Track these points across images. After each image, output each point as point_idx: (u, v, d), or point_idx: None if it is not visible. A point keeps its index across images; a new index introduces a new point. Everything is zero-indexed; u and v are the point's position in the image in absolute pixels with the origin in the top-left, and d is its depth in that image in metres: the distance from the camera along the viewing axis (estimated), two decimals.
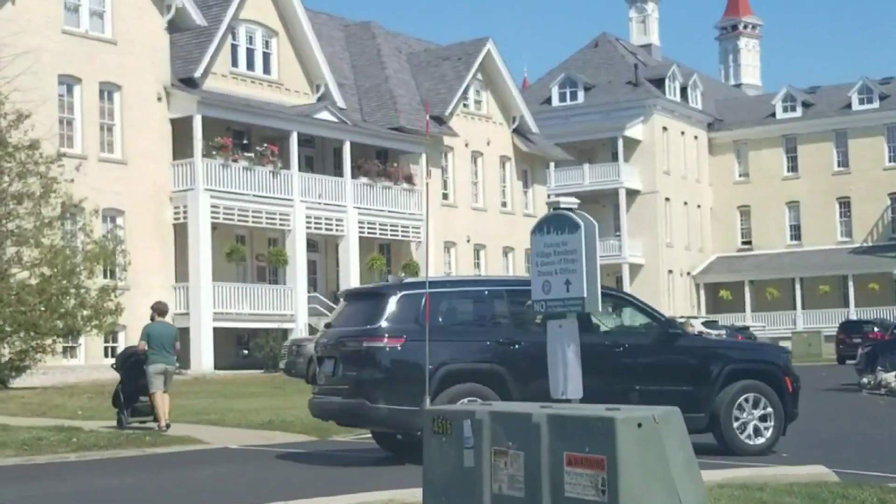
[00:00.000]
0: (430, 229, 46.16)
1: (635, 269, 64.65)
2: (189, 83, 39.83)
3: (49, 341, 27.41)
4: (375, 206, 44.36)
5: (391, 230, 44.98)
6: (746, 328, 49.54)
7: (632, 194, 64.60)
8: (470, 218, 49.78)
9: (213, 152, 39.18)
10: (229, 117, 39.90)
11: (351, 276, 42.98)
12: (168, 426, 16.47)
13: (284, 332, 40.00)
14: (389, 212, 44.89)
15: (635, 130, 64.75)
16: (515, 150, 52.27)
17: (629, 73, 67.05)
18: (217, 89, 40.52)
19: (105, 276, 31.34)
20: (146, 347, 16.83)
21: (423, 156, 46.26)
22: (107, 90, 37.37)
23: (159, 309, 17.77)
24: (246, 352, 41.48)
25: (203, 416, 19.36)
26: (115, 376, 18.15)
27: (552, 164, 59.27)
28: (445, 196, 48.88)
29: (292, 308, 40.78)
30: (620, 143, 63.84)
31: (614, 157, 65.12)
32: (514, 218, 52.32)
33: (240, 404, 22.13)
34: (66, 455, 14.30)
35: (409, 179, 45.63)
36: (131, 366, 17.32)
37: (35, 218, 28.32)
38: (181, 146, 38.99)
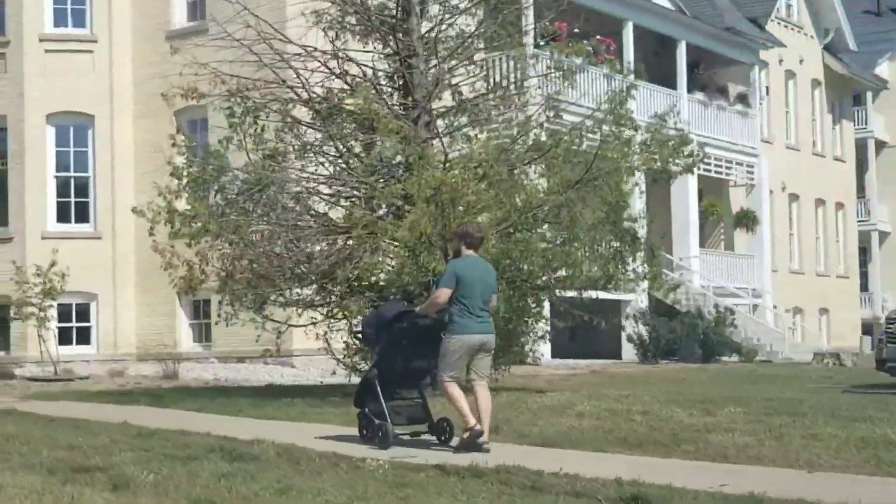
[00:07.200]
0: (755, 170, 34.18)
1: (882, 237, 52.58)
2: None
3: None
4: (708, 133, 32.19)
5: (726, 166, 32.78)
6: None
7: (877, 147, 52.52)
8: (784, 159, 37.62)
9: (541, 42, 27.05)
10: None
11: (690, 226, 30.93)
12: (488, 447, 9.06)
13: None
14: (726, 142, 32.70)
15: (882, 69, 52.66)
16: (827, 73, 40.26)
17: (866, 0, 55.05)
18: None
19: None
20: (447, 299, 9.29)
21: (756, 67, 34.15)
22: None
23: (471, 235, 9.68)
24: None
25: None
26: None
27: None
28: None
29: None
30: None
31: (856, 101, 52.99)
32: (824, 162, 40.39)
33: None
34: None
35: (743, 99, 33.50)
36: (399, 335, 9.60)
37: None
38: None
